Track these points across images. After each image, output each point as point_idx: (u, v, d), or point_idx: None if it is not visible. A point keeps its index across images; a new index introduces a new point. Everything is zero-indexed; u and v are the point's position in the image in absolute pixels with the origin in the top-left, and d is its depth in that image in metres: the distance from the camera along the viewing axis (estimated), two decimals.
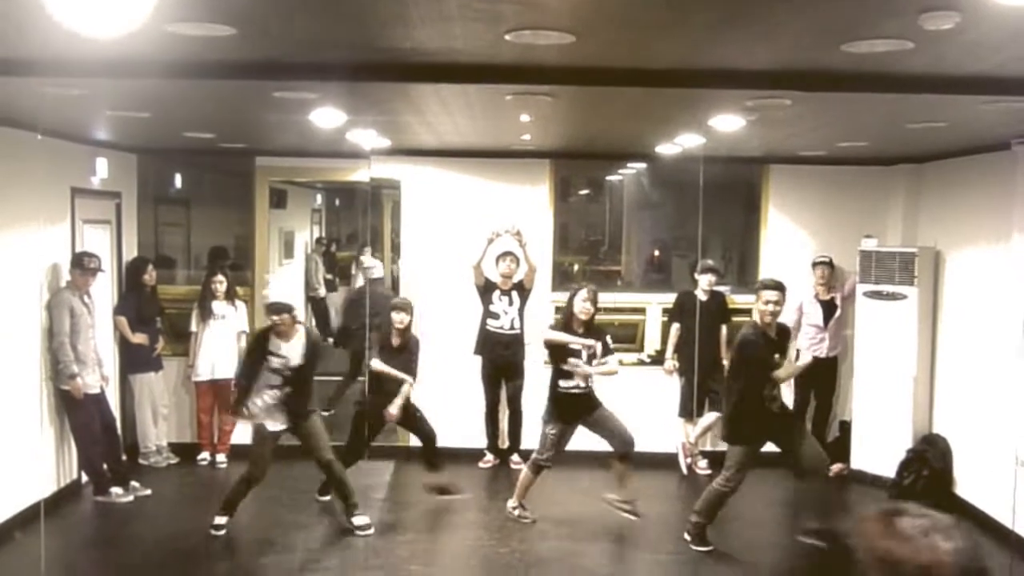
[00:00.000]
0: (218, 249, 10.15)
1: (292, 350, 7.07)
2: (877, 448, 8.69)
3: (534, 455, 7.56)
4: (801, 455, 7.01)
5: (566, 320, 7.41)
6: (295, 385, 7.08)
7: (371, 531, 7.28)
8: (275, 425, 7.17)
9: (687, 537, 7.06)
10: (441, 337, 8.91)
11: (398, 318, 7.96)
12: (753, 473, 7.08)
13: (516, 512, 7.61)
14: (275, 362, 7.04)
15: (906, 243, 8.93)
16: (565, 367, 7.29)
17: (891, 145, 8.08)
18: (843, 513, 7.82)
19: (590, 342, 7.29)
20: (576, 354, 7.28)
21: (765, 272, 9.49)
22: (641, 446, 8.90)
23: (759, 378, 6.80)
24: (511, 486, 8.60)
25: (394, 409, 7.81)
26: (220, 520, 7.16)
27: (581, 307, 7.27)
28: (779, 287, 6.91)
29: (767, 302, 6.79)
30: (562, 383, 7.34)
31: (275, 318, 7.06)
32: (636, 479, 8.02)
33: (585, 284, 7.65)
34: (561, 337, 7.31)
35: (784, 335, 7.17)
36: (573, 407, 7.35)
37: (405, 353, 7.97)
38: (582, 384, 7.32)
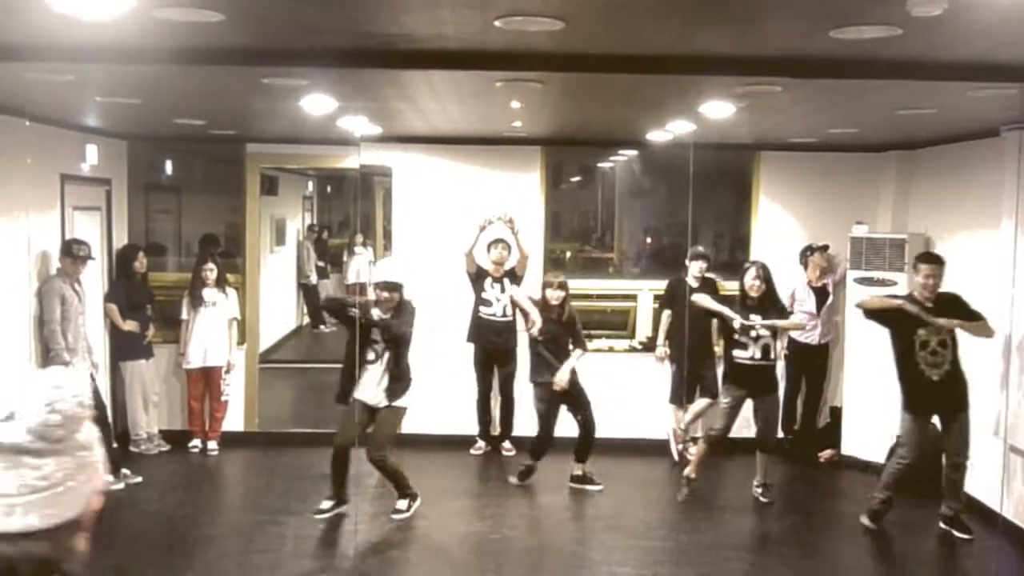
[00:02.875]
0: (209, 236, 10.13)
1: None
2: (868, 434, 8.73)
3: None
4: (945, 444, 7.16)
5: (741, 297, 7.74)
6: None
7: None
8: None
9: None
10: (433, 324, 8.91)
11: (553, 295, 7.91)
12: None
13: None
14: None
15: (896, 229, 8.95)
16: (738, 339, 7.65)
17: (881, 132, 8.10)
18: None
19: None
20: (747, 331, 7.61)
21: (756, 258, 9.51)
22: (632, 432, 8.97)
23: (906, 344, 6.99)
24: (502, 473, 8.65)
25: (564, 375, 7.79)
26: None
27: (750, 283, 7.61)
28: (937, 259, 7.06)
29: (926, 276, 6.93)
30: (736, 353, 7.67)
31: (383, 294, 7.13)
32: (626, 466, 8.07)
33: (753, 262, 8.04)
34: (712, 305, 7.74)
35: (950, 302, 6.99)
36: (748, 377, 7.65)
37: (566, 326, 7.96)
38: (758, 356, 7.59)
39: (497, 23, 4.00)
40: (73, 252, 7.65)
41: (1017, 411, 6.94)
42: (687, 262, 8.96)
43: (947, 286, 8.26)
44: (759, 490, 7.83)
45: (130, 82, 5.78)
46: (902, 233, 8.76)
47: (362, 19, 4.07)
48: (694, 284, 8.86)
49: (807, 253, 9.01)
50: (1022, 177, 6.76)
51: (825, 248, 8.99)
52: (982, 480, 7.51)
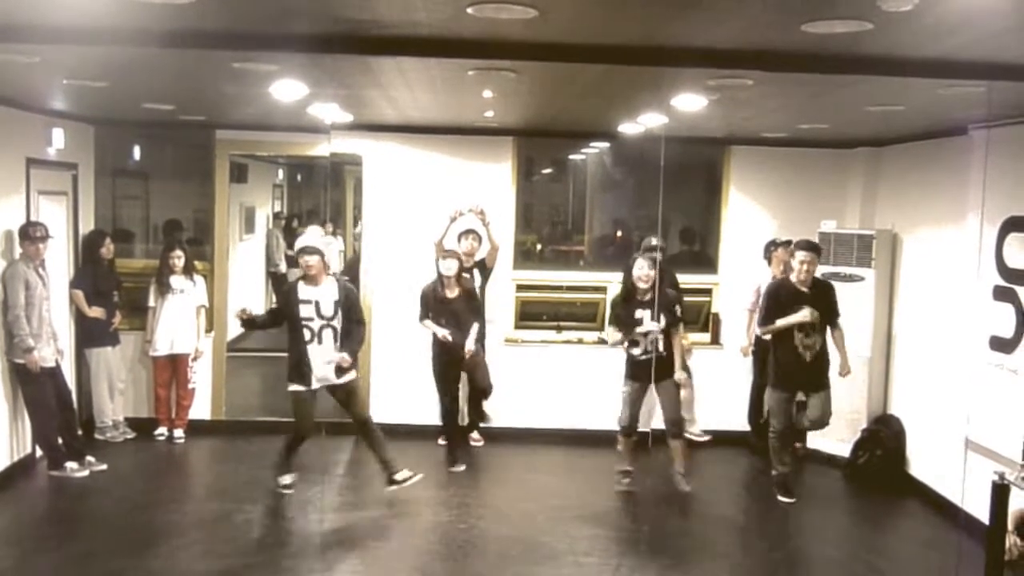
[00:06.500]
0: (173, 222, 10.04)
1: (322, 296, 7.29)
2: (832, 428, 8.78)
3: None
4: (809, 410, 7.75)
5: (631, 290, 7.74)
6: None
7: (416, 478, 7.53)
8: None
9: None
10: (401, 314, 8.89)
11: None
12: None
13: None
14: (304, 310, 7.24)
15: (864, 225, 9.03)
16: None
17: (851, 128, 8.15)
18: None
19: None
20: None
21: (725, 252, 9.58)
22: (599, 424, 9.00)
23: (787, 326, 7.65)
24: (470, 463, 8.66)
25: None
26: (286, 479, 7.52)
27: (639, 275, 7.64)
28: (813, 248, 7.74)
29: (801, 262, 7.61)
30: (631, 351, 7.76)
31: (306, 259, 7.23)
32: (592, 456, 8.08)
33: (649, 248, 8.31)
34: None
35: (822, 290, 7.77)
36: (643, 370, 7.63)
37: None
38: (650, 349, 7.60)
39: (470, 10, 3.98)
40: (30, 235, 7.56)
41: (979, 407, 7.00)
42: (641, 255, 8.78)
43: (914, 281, 8.39)
44: (677, 477, 7.83)
45: (98, 65, 5.70)
46: (870, 229, 8.83)
47: (333, 4, 4.03)
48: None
49: (771, 248, 9.03)
50: (988, 174, 6.84)
51: (788, 243, 9.02)
52: (944, 474, 7.60)
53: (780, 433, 7.84)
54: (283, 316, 7.42)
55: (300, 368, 7.28)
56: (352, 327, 7.36)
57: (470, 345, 8.30)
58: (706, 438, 9.01)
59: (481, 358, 8.60)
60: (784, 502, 7.76)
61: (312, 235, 7.51)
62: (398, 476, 7.46)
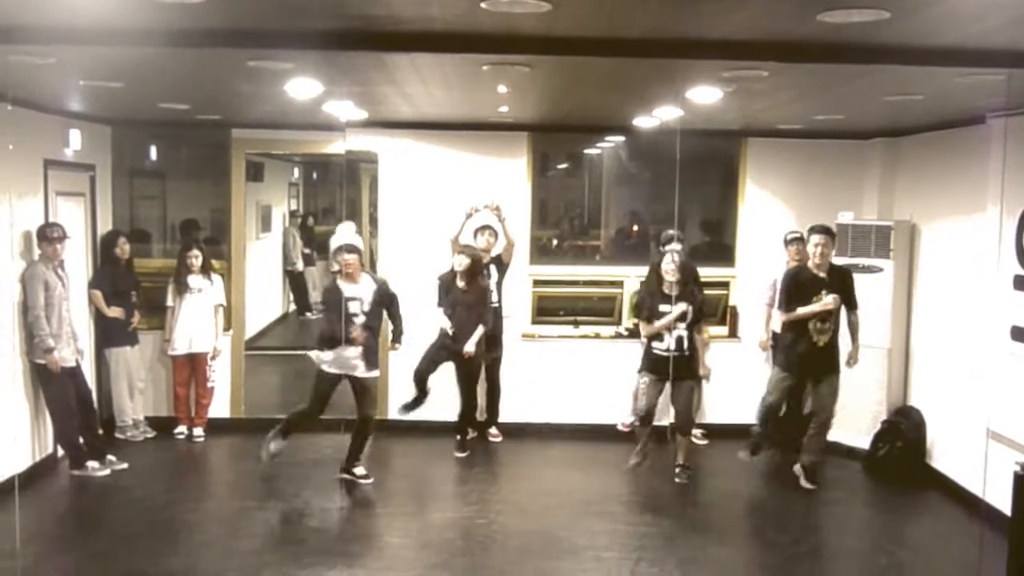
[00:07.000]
0: (189, 221, 10.08)
1: (363, 293, 7.64)
2: (852, 420, 8.75)
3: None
4: (815, 395, 7.86)
5: (657, 282, 7.89)
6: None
7: (370, 480, 7.79)
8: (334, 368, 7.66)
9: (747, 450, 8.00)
10: (419, 311, 8.88)
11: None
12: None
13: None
14: (352, 306, 7.55)
15: (882, 216, 8.97)
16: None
17: (868, 119, 8.10)
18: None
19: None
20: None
21: (743, 245, 9.54)
22: (617, 418, 8.99)
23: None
24: (489, 459, 8.67)
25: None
26: (273, 447, 7.83)
27: (667, 268, 7.77)
28: (827, 231, 7.72)
29: (815, 244, 7.62)
30: (653, 344, 7.86)
31: (346, 257, 7.55)
32: (610, 451, 8.07)
33: (672, 237, 8.33)
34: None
35: (840, 276, 7.77)
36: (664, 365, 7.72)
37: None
38: (672, 347, 7.73)
39: (483, 5, 3.97)
40: (47, 235, 7.61)
41: (1000, 397, 6.96)
42: (661, 248, 8.59)
43: (933, 272, 8.34)
44: (677, 470, 7.94)
45: (113, 65, 5.72)
46: (888, 220, 8.78)
47: (347, 0, 4.04)
48: None
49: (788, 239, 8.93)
50: (1008, 164, 6.79)
51: (796, 240, 8.94)
52: (965, 466, 7.55)
53: (769, 406, 7.88)
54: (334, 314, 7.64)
55: (330, 344, 7.60)
56: (397, 320, 7.95)
57: (469, 347, 8.41)
58: (705, 442, 9.01)
59: (477, 364, 8.70)
60: (744, 456, 7.99)
61: (347, 232, 7.63)
62: (356, 470, 7.81)
